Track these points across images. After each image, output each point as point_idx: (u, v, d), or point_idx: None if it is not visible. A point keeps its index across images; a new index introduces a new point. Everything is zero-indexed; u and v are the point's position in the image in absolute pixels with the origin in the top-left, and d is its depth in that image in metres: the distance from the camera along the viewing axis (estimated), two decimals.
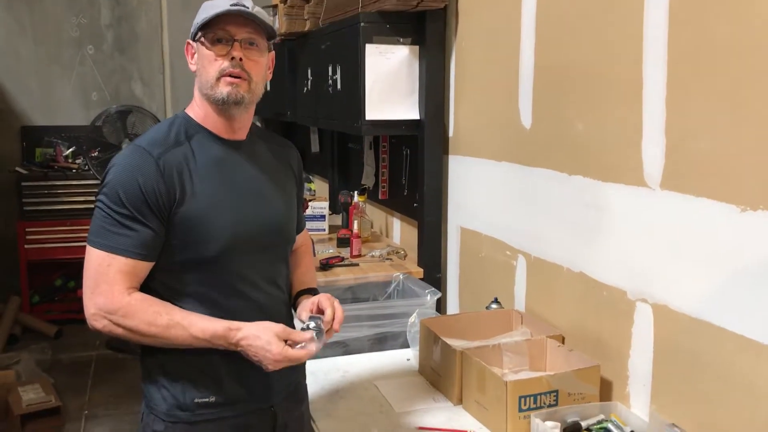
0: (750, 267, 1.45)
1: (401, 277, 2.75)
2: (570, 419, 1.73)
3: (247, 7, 1.47)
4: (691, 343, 1.61)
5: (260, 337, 1.41)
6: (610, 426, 1.72)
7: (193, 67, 1.54)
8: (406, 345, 2.37)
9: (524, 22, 2.23)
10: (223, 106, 1.50)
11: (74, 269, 5.19)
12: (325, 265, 2.89)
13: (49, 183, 5.02)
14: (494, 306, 2.34)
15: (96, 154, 4.63)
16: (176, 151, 1.47)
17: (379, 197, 3.48)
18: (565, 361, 1.94)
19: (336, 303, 1.57)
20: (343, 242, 3.26)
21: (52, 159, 5.25)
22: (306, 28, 3.61)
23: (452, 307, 2.86)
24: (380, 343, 2.43)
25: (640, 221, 1.76)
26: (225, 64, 1.47)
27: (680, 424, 1.62)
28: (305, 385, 1.76)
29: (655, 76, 1.68)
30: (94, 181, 4.86)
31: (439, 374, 2.05)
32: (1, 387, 3.71)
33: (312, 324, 1.49)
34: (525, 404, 1.75)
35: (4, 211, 5.25)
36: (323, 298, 1.57)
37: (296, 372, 1.65)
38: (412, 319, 2.32)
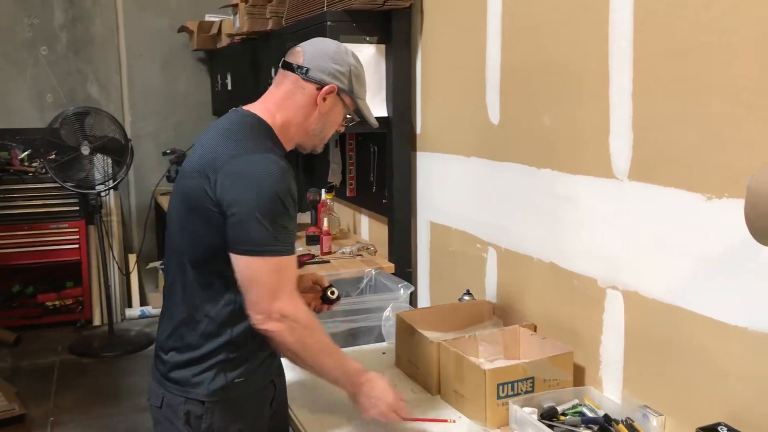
0: (716, 252, 1.53)
1: (373, 272, 2.78)
2: (546, 405, 1.79)
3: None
4: (661, 328, 1.68)
5: (381, 382, 1.65)
6: (584, 410, 1.78)
7: (320, 108, 1.63)
8: (380, 339, 2.41)
9: (490, 19, 2.29)
10: (307, 150, 1.73)
11: (32, 275, 5.10)
12: (298, 263, 2.89)
13: (5, 187, 4.91)
14: (467, 298, 2.39)
15: (53, 156, 4.54)
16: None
17: (347, 195, 3.50)
18: (539, 349, 2.00)
19: None
20: (313, 240, 3.28)
21: (8, 162, 5.12)
22: (269, 27, 3.62)
23: (424, 300, 2.90)
24: (354, 338, 2.46)
25: (609, 211, 1.83)
26: (335, 132, 1.72)
27: (652, 406, 1.69)
28: (281, 360, 1.85)
29: (621, 70, 1.75)
30: (53, 185, 4.77)
31: (417, 366, 2.09)
32: None
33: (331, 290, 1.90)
34: (503, 391, 1.80)
35: None
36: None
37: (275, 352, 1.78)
38: (387, 313, 2.36)
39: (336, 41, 1.71)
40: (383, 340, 2.38)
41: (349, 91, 1.65)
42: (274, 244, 1.47)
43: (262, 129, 1.59)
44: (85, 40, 5.38)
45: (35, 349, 4.70)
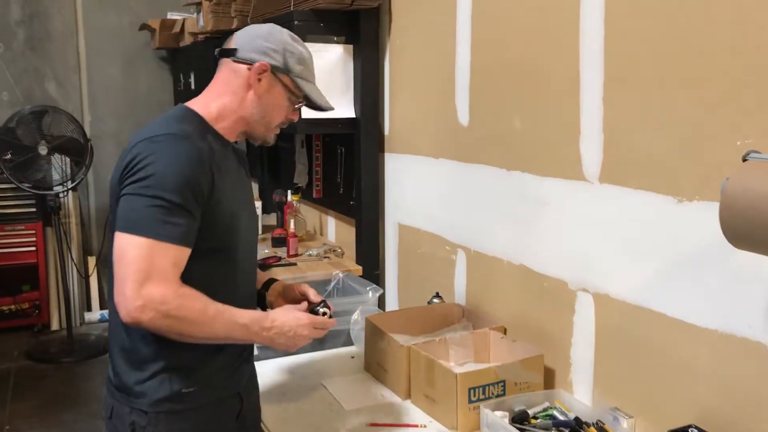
0: (687, 254, 1.53)
1: (341, 275, 2.75)
2: (517, 408, 1.78)
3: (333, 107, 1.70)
4: (631, 329, 1.69)
5: (289, 314, 1.55)
6: (555, 413, 1.78)
7: (255, 89, 1.55)
8: (348, 343, 2.38)
9: (459, 20, 2.28)
10: (256, 140, 1.64)
11: None
12: (263, 266, 2.86)
13: None
14: (436, 300, 2.37)
15: (9, 156, 4.40)
16: (203, 143, 1.48)
17: (313, 196, 3.47)
18: (509, 352, 1.99)
19: None
20: (279, 242, 3.23)
21: None
22: (233, 26, 3.56)
23: (392, 303, 2.88)
24: (321, 342, 2.41)
25: (579, 214, 1.83)
26: (284, 120, 1.63)
27: (622, 408, 1.69)
28: (256, 373, 1.79)
29: (592, 73, 1.75)
30: (8, 185, 4.64)
31: (386, 370, 2.06)
32: None
33: (327, 311, 1.68)
34: (474, 395, 1.79)
35: None
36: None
37: (252, 360, 1.73)
38: (356, 316, 2.33)
39: (272, 24, 1.63)
40: (352, 344, 2.35)
41: (285, 69, 1.56)
42: (153, 226, 1.36)
43: (187, 118, 1.52)
44: (42, 36, 5.23)
45: None
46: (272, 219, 3.75)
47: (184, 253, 1.41)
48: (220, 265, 1.54)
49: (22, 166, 4.43)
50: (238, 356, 1.61)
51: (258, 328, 1.49)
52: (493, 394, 1.82)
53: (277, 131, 1.66)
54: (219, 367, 1.57)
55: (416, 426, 1.83)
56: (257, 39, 1.57)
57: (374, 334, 2.11)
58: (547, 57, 1.91)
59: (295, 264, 2.94)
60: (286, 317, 1.54)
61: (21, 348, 4.64)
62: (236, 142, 1.66)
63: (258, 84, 1.55)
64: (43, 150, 4.44)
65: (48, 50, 5.26)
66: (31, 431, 3.61)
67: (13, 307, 4.97)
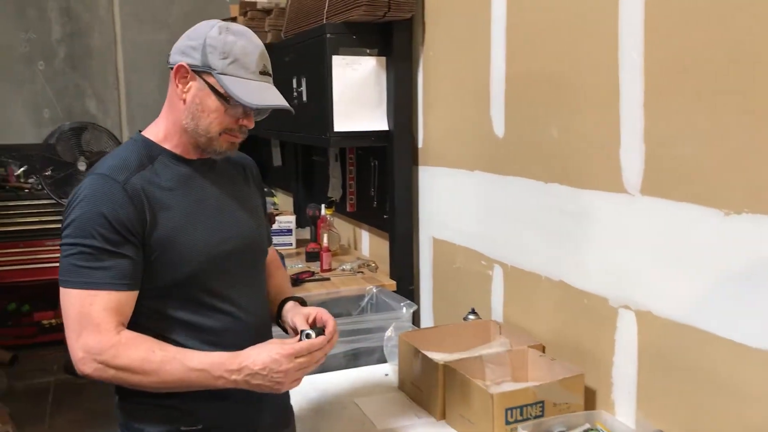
0: (735, 270, 1.45)
1: (374, 290, 2.71)
2: (556, 430, 1.71)
3: (284, 104, 1.43)
4: (676, 349, 1.61)
5: (262, 351, 1.33)
6: None
7: (180, 95, 1.41)
8: (382, 360, 2.33)
9: (494, 30, 2.23)
10: (210, 153, 1.47)
11: (28, 293, 5.01)
12: (296, 281, 2.83)
13: (1, 204, 4.85)
14: (471, 317, 2.31)
15: (49, 173, 4.48)
16: (141, 174, 1.39)
17: (347, 210, 3.44)
18: (548, 371, 1.92)
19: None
20: (312, 256, 3.20)
21: (4, 179, 5.06)
22: (267, 41, 3.56)
23: (427, 319, 2.83)
24: (355, 359, 2.38)
25: (620, 227, 1.76)
26: (229, 126, 1.43)
27: (667, 430, 1.61)
28: (291, 407, 1.71)
29: (632, 81, 1.68)
30: (48, 201, 4.71)
31: (421, 389, 2.01)
32: None
33: (312, 333, 1.42)
34: (512, 416, 1.72)
35: None
36: (323, 312, 1.54)
37: (283, 394, 1.59)
38: (389, 333, 2.28)
39: (208, 20, 1.45)
40: (385, 361, 2.30)
41: (204, 67, 1.37)
42: (75, 275, 1.31)
43: (134, 147, 1.43)
44: (82, 54, 5.33)
45: (31, 369, 4.62)
46: (306, 233, 3.72)
47: (121, 296, 1.33)
48: (195, 300, 1.42)
49: (62, 182, 4.50)
50: (251, 393, 1.38)
51: (222, 371, 1.31)
52: (531, 415, 1.75)
53: (233, 140, 1.45)
54: (226, 407, 1.46)
55: None
56: (182, 38, 1.43)
57: (408, 351, 2.06)
58: (584, 66, 1.84)
59: (328, 279, 2.90)
60: (258, 356, 1.32)
61: (60, 362, 4.68)
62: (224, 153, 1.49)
63: (181, 89, 1.40)
64: (82, 166, 4.51)
65: (88, 67, 5.36)
66: None
67: (53, 321, 5.03)
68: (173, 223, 1.40)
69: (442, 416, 1.92)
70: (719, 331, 1.49)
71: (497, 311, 2.32)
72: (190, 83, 1.40)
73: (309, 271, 2.96)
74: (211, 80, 1.38)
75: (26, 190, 4.95)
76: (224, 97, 1.38)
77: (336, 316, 2.63)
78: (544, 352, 2.05)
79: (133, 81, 5.45)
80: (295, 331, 1.51)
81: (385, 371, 2.26)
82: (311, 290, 2.77)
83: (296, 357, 1.34)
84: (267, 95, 1.42)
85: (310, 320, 1.54)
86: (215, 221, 1.47)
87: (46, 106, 5.26)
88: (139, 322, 1.38)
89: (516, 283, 2.22)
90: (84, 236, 1.31)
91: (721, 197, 1.47)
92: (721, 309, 1.49)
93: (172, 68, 1.42)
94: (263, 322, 1.57)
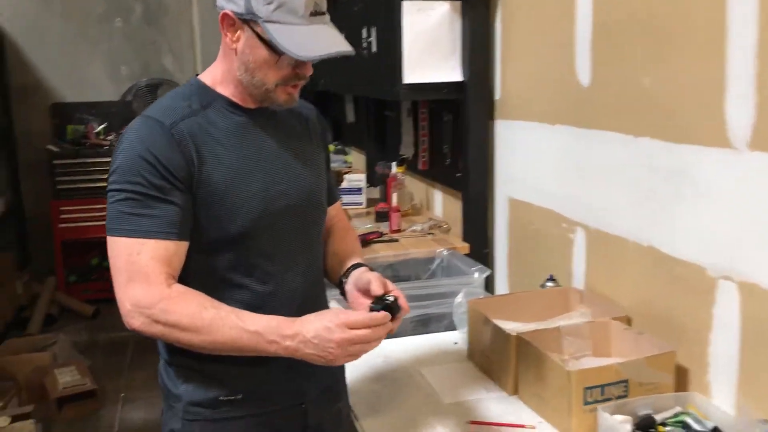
0: None
1: (445, 253, 2.56)
2: (642, 412, 1.54)
3: (340, 50, 1.30)
4: None
5: (316, 321, 1.21)
6: (688, 420, 1.52)
7: (233, 45, 1.30)
8: (451, 327, 2.19)
9: None
10: (268, 105, 1.36)
11: None
12: (363, 242, 2.71)
13: (81, 161, 4.94)
14: (549, 284, 2.14)
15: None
16: (192, 120, 1.30)
17: (419, 168, 3.29)
18: (633, 346, 1.74)
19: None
20: (382, 216, 3.07)
21: (84, 136, 5.16)
22: None
23: (501, 285, 2.66)
24: (423, 325, 2.25)
25: (723, 187, 1.54)
26: (288, 75, 1.31)
27: None
28: (344, 380, 1.60)
29: (743, 22, 1.45)
30: None
31: (492, 360, 1.86)
32: (37, 369, 3.65)
33: (390, 299, 1.31)
34: (591, 396, 1.56)
35: (38, 190, 5.19)
36: (398, 292, 1.38)
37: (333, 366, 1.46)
38: (459, 299, 2.14)
39: None
40: (455, 328, 2.16)
41: (248, 13, 1.24)
42: (123, 222, 1.22)
43: (191, 91, 1.34)
44: (158, 10, 5.33)
45: (112, 323, 4.71)
46: (376, 192, 3.60)
47: (170, 246, 1.24)
48: (242, 260, 1.32)
49: None
50: (298, 362, 1.26)
51: (275, 335, 1.20)
52: (613, 395, 1.58)
53: (291, 91, 1.34)
54: (270, 376, 1.37)
55: (523, 427, 1.63)
56: None
57: (478, 319, 1.91)
58: (683, 5, 1.61)
59: (397, 240, 2.77)
60: (312, 323, 1.21)
61: None
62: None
63: (230, 38, 1.29)
64: None
65: (164, 23, 5.35)
66: (142, 400, 3.68)
67: None
68: (223, 175, 1.29)
69: (514, 391, 1.77)
70: None
71: (578, 278, 2.14)
72: (238, 32, 1.29)
73: (377, 232, 2.83)
74: (258, 29, 1.26)
75: (105, 147, 5.03)
76: (274, 48, 1.26)
77: (404, 279, 2.55)
78: (629, 324, 1.86)
79: (208, 38, 5.41)
80: (365, 294, 1.40)
81: (454, 339, 2.12)
82: (379, 252, 2.64)
83: (353, 329, 1.21)
84: (321, 40, 1.29)
85: (386, 290, 1.38)
86: (270, 175, 1.36)
87: (123, 63, 5.30)
88: (183, 279, 1.28)
89: (600, 248, 2.03)
90: (130, 182, 1.23)
91: None
92: None
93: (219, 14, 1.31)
94: (314, 290, 1.46)
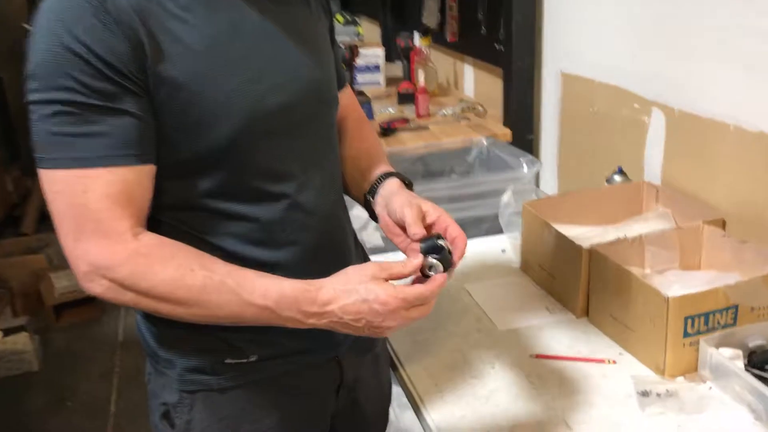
0: None
1: (484, 141, 2.21)
2: (752, 343, 1.25)
3: None
4: None
5: (353, 294, 0.90)
6: None
7: None
8: (492, 231, 1.88)
9: None
10: None
11: None
12: (386, 130, 2.36)
13: None
14: (618, 178, 1.79)
15: None
16: None
17: (447, 39, 2.90)
18: (733, 258, 1.42)
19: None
20: (406, 99, 2.71)
21: None
22: None
23: (549, 180, 2.31)
24: (463, 229, 1.92)
25: None
26: None
27: None
28: None
29: None
30: None
31: (553, 276, 1.54)
32: (31, 274, 3.42)
33: (443, 244, 0.98)
34: (692, 327, 1.25)
35: (22, 78, 4.78)
36: (445, 216, 1.05)
37: None
38: (506, 198, 1.80)
39: None
40: (500, 232, 1.83)
41: None
42: (56, 148, 0.85)
43: None
44: None
45: None
46: (397, 70, 3.21)
47: (128, 175, 0.87)
48: (233, 180, 0.95)
49: None
50: None
51: (294, 311, 0.90)
52: (719, 324, 1.26)
53: None
54: (292, 331, 0.96)
55: (602, 362, 1.32)
56: None
57: (535, 226, 1.57)
58: None
59: (426, 127, 2.41)
60: (349, 298, 0.89)
61: None
62: None
63: None
64: None
65: None
66: None
67: None
68: (190, 64, 0.88)
69: (584, 313, 1.47)
70: None
71: (653, 171, 1.78)
72: None
73: (403, 118, 2.45)
74: None
75: None
76: None
77: (437, 175, 2.20)
78: (723, 230, 1.51)
79: None
80: (400, 227, 1.05)
81: (502, 246, 1.80)
82: (406, 143, 2.28)
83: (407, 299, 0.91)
84: None
85: (428, 222, 1.04)
86: (256, 59, 0.95)
87: None
88: (155, 216, 0.93)
89: (685, 134, 1.66)
90: (56, 87, 0.83)
91: None
92: None
93: None
94: (335, 215, 1.09)
